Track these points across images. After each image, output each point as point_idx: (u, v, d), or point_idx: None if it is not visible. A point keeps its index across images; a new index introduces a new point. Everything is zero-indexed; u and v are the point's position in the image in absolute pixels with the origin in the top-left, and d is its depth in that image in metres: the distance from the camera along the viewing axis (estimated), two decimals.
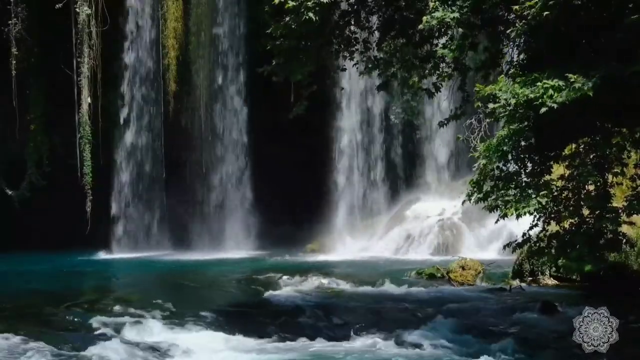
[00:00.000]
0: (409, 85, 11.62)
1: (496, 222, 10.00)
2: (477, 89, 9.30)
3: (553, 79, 8.60)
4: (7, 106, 27.52)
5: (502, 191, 9.52)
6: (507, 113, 9.08)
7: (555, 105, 8.48)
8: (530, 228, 10.32)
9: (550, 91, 8.51)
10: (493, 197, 9.62)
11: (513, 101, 8.81)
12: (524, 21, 9.20)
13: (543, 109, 8.51)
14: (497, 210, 9.56)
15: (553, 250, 10.09)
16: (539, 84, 8.63)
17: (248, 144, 29.14)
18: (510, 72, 10.41)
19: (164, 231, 29.42)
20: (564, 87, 8.49)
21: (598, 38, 9.24)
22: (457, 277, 17.98)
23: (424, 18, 9.97)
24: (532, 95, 8.61)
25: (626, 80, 8.39)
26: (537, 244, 10.27)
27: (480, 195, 9.84)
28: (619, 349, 8.42)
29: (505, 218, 9.67)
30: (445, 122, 11.73)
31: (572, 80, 8.37)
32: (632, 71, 8.21)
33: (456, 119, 11.76)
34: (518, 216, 9.26)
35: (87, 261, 25.41)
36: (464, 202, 10.16)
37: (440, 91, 11.74)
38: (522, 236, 10.42)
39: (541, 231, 10.26)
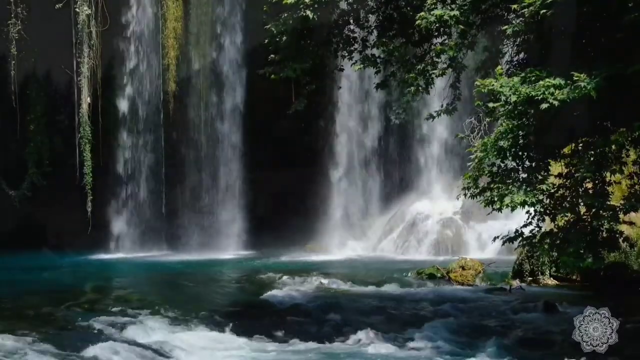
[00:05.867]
0: (407, 83, 11.57)
1: (488, 214, 9.98)
2: (478, 84, 9.28)
3: (554, 78, 8.59)
4: (7, 106, 27.51)
5: (499, 185, 9.51)
6: (506, 111, 9.06)
7: (556, 103, 8.47)
8: (525, 225, 10.31)
9: (552, 89, 8.51)
10: (489, 192, 9.61)
11: (514, 98, 8.80)
12: (521, 19, 9.19)
13: (544, 105, 8.51)
14: (492, 205, 9.55)
15: (546, 245, 10.05)
16: (540, 82, 8.62)
17: (247, 143, 29.13)
18: (509, 71, 10.40)
19: (162, 231, 29.40)
20: (564, 85, 8.49)
21: (598, 37, 9.23)
22: (457, 277, 17.99)
23: (420, 14, 9.95)
24: (533, 93, 8.61)
25: (626, 79, 8.38)
26: (529, 239, 10.24)
27: (477, 191, 9.84)
28: (619, 348, 8.40)
29: (501, 212, 9.66)
30: (435, 115, 11.71)
31: (575, 79, 8.37)
32: (633, 70, 8.20)
33: (448, 114, 11.76)
34: (513, 209, 9.25)
35: (87, 261, 25.39)
36: (458, 196, 10.16)
37: (431, 87, 11.71)
38: (515, 232, 10.40)
39: (535, 227, 10.25)
